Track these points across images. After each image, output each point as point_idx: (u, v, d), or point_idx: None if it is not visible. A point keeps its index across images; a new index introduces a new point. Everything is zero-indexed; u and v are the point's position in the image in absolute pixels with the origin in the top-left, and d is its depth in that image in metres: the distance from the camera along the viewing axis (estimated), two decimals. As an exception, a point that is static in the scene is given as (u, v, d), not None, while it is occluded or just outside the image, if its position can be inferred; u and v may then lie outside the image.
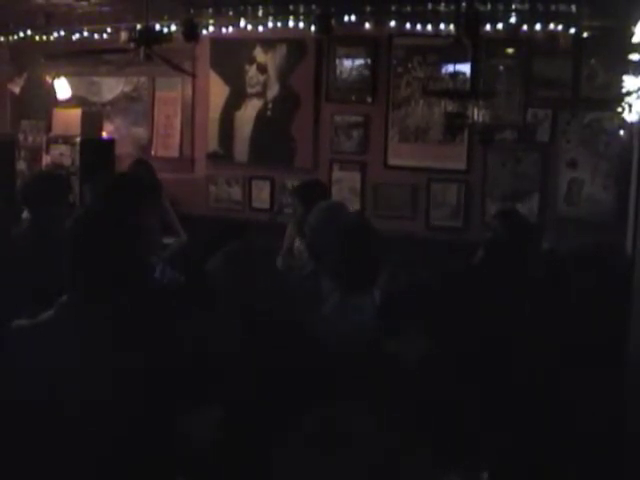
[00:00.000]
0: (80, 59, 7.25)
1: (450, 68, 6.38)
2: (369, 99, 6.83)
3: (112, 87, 7.88)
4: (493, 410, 2.40)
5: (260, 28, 6.69)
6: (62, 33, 7.29)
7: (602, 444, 2.88)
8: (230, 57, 7.21)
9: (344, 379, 2.19)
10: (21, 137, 7.60)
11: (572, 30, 5.90)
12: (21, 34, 7.49)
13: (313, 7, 6.31)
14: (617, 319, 3.31)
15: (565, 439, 2.84)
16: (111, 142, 7.49)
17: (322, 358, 2.37)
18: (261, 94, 7.21)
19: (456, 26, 5.84)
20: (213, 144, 7.43)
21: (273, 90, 7.17)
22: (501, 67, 6.35)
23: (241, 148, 7.32)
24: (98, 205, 3.52)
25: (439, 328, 2.04)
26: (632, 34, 4.26)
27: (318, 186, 5.13)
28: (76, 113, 7.30)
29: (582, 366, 3.11)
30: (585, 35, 5.92)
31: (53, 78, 7.82)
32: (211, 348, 2.38)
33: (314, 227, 3.95)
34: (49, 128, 7.45)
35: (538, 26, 5.92)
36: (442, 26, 6.13)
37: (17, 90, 7.91)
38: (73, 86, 7.87)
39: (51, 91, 7.84)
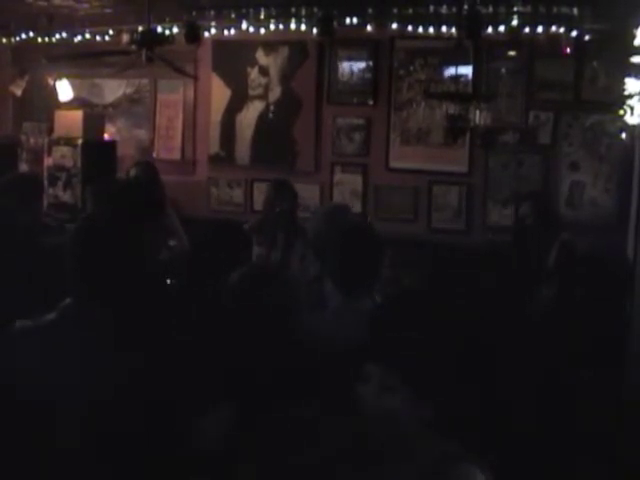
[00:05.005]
0: (82, 61, 7.26)
1: (452, 71, 6.40)
2: (371, 101, 6.83)
3: (114, 89, 7.88)
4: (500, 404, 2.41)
5: (262, 30, 6.69)
6: (64, 35, 7.29)
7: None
8: (232, 59, 7.22)
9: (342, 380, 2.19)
10: (23, 139, 7.60)
11: (574, 33, 5.90)
12: (23, 36, 7.49)
13: (315, 9, 6.31)
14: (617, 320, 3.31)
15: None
16: (113, 144, 7.49)
17: (321, 359, 2.37)
18: (263, 96, 7.21)
19: (458, 28, 5.85)
20: (215, 146, 7.43)
21: (275, 92, 7.17)
22: (503, 70, 6.35)
23: (243, 150, 7.32)
24: (101, 211, 3.53)
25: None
26: (634, 37, 4.27)
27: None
28: (78, 115, 7.30)
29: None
30: (587, 38, 5.92)
31: (55, 80, 7.83)
32: (213, 348, 2.38)
33: (316, 229, 3.95)
34: (51, 130, 7.44)
35: (540, 29, 5.92)
36: (444, 28, 6.12)
37: (19, 92, 7.91)
38: (75, 88, 7.88)
39: (53, 93, 7.84)
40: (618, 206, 5.99)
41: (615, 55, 5.42)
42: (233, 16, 6.65)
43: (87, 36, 7.23)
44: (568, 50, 6.03)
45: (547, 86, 6.24)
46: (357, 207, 6.68)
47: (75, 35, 7.25)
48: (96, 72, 7.64)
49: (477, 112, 5.31)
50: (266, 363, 2.26)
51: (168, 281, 3.78)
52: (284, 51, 7.06)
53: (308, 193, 6.66)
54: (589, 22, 5.77)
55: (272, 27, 6.63)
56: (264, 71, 7.17)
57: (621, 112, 4.43)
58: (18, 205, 4.18)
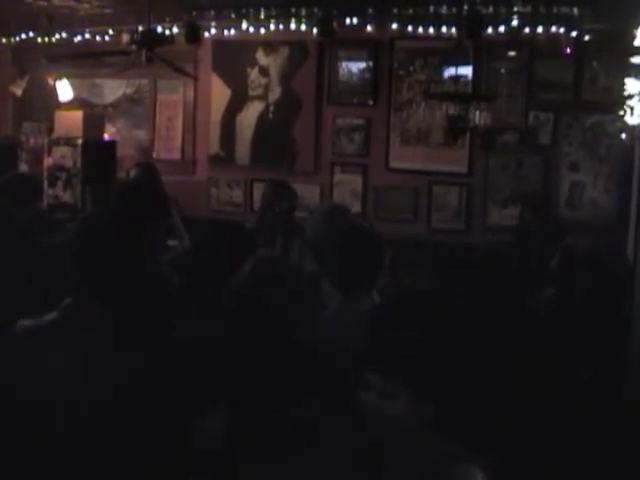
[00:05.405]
0: (82, 61, 7.27)
1: (452, 71, 6.40)
2: (371, 102, 6.84)
3: (114, 89, 7.88)
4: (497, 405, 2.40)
5: (262, 31, 6.69)
6: (64, 35, 7.30)
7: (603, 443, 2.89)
8: (232, 60, 7.22)
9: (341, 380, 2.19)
10: (23, 139, 7.59)
11: (574, 33, 5.90)
12: (23, 36, 7.49)
13: (315, 10, 6.31)
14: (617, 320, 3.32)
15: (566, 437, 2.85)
16: (113, 144, 7.49)
17: (321, 360, 2.37)
18: (263, 97, 7.21)
19: (458, 29, 5.85)
20: (215, 146, 7.43)
21: (275, 93, 7.17)
22: (503, 70, 6.35)
23: (243, 150, 7.32)
24: (101, 211, 3.53)
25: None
26: (634, 37, 4.26)
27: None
28: (78, 115, 7.30)
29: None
30: (587, 38, 5.92)
31: (55, 80, 7.83)
32: (213, 348, 2.38)
33: (315, 229, 3.95)
34: (51, 130, 7.44)
35: (540, 29, 5.92)
36: (444, 29, 6.13)
37: (19, 92, 7.92)
38: (75, 88, 7.88)
39: (53, 93, 7.85)
40: (618, 206, 5.99)
41: (615, 55, 5.43)
42: (233, 16, 6.66)
43: (87, 36, 7.24)
44: (568, 50, 6.03)
45: (547, 86, 6.24)
46: (357, 207, 6.68)
47: (75, 35, 7.26)
48: (96, 72, 7.65)
49: (477, 112, 5.31)
50: (266, 363, 2.26)
51: (169, 281, 3.76)
52: (284, 51, 7.06)
53: (308, 193, 6.66)
54: (589, 22, 5.78)
55: (272, 27, 6.63)
56: (264, 71, 7.17)
57: (621, 112, 4.42)
58: (15, 205, 4.18)
